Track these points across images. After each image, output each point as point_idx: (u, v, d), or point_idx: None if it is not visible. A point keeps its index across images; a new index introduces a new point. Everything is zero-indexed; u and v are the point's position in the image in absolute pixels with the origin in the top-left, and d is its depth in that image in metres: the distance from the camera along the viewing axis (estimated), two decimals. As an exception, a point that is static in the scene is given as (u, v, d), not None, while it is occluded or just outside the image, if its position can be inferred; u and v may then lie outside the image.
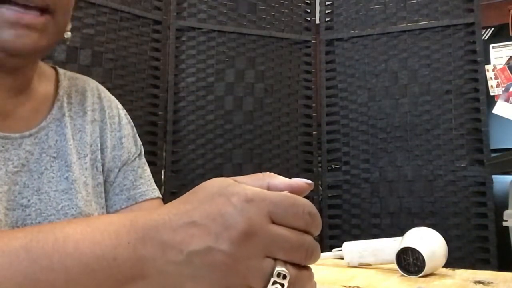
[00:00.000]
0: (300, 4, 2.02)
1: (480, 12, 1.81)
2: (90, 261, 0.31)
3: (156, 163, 1.71)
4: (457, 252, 1.71)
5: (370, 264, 0.75)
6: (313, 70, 2.00)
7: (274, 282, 0.30)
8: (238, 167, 1.84)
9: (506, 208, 1.38)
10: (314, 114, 1.98)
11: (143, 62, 1.74)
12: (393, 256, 0.67)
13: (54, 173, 0.56)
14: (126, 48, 1.69)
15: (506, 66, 2.43)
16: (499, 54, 2.45)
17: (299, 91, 1.98)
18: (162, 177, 1.74)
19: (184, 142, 1.80)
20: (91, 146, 0.61)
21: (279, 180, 0.34)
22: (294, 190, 0.33)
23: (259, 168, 1.86)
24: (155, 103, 1.76)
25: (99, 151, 0.62)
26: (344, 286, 0.61)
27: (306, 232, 0.32)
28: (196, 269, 0.30)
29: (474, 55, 1.80)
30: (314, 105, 1.98)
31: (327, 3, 2.01)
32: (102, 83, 0.69)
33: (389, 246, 0.72)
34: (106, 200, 0.63)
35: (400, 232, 0.76)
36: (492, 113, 2.36)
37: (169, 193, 1.72)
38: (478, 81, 1.78)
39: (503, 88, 2.41)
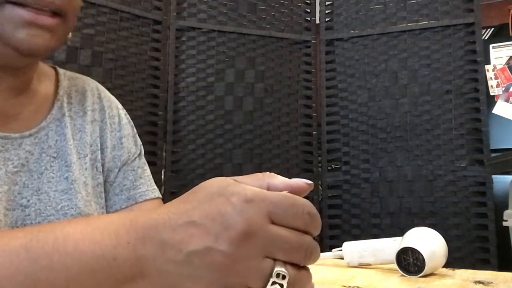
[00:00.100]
0: (300, 4, 2.02)
1: (480, 12, 1.81)
2: (90, 260, 0.31)
3: (156, 163, 1.71)
4: (457, 252, 1.71)
5: (370, 264, 0.75)
6: (313, 70, 2.00)
7: (273, 283, 0.30)
8: (238, 167, 1.84)
9: (506, 208, 1.38)
10: (314, 114, 1.98)
11: (143, 62, 1.74)
12: (393, 256, 0.67)
13: (54, 173, 0.56)
14: (126, 48, 1.69)
15: (506, 66, 2.43)
16: (499, 54, 2.45)
17: (299, 91, 1.98)
18: (162, 177, 1.74)
19: (184, 142, 1.80)
20: (91, 146, 0.61)
21: (279, 180, 0.34)
22: (294, 190, 0.33)
23: (259, 168, 1.85)
24: (155, 103, 1.76)
25: (99, 151, 0.62)
26: (344, 286, 0.61)
27: (305, 232, 0.31)
28: (195, 269, 0.30)
29: (474, 55, 1.80)
30: (314, 105, 1.99)
31: (327, 3, 2.01)
32: (102, 83, 0.69)
33: (389, 246, 0.72)
34: (106, 200, 0.63)
35: (400, 232, 0.75)
36: (492, 113, 2.36)
37: (169, 193, 1.72)
38: (478, 81, 1.78)
39: (503, 88, 2.41)
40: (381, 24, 1.92)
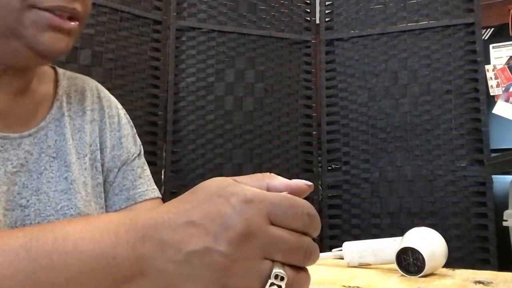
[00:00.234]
0: (300, 4, 2.02)
1: (480, 12, 1.81)
2: (90, 260, 0.31)
3: (156, 163, 1.71)
4: (457, 252, 1.71)
5: (370, 264, 0.75)
6: (313, 70, 2.00)
7: (272, 284, 0.30)
8: (238, 167, 1.84)
9: (506, 208, 1.38)
10: (314, 114, 1.98)
11: (143, 62, 1.74)
12: (393, 256, 0.67)
13: (53, 173, 0.56)
14: (126, 48, 1.69)
15: (506, 66, 2.43)
16: (499, 54, 2.45)
17: (299, 91, 1.98)
18: (162, 177, 1.74)
19: (184, 142, 1.80)
20: (90, 146, 0.61)
21: (279, 181, 0.34)
22: (293, 191, 0.33)
23: (259, 168, 1.86)
24: (155, 103, 1.76)
25: (99, 151, 0.62)
26: (344, 286, 0.61)
27: (305, 233, 0.31)
28: (194, 269, 0.30)
29: (474, 55, 1.80)
30: (314, 105, 1.98)
31: (327, 3, 2.01)
32: (102, 83, 0.69)
33: (389, 246, 0.72)
34: (105, 200, 0.63)
35: (400, 232, 0.75)
36: (492, 113, 2.36)
37: (169, 193, 1.72)
38: (478, 81, 1.78)
39: (503, 88, 2.41)
40: (381, 24, 1.92)
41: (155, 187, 0.68)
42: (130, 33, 1.71)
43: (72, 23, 0.51)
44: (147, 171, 0.68)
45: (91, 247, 0.31)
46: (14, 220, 0.52)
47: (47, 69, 0.63)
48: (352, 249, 0.76)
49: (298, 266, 0.31)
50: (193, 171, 1.79)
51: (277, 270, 0.30)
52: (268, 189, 0.33)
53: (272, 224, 0.30)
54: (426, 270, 0.65)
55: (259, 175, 0.34)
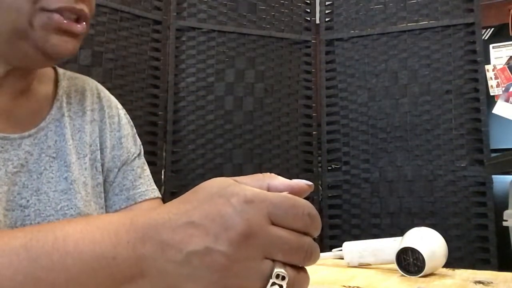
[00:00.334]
0: (300, 4, 2.02)
1: (480, 12, 1.81)
2: (90, 260, 0.31)
3: (156, 163, 1.71)
4: (457, 252, 1.71)
5: (370, 264, 0.75)
6: (313, 70, 2.00)
7: (273, 284, 0.30)
8: (238, 167, 1.84)
9: (506, 208, 1.38)
10: (314, 114, 1.98)
11: (143, 62, 1.74)
12: (393, 256, 0.67)
13: (53, 174, 0.56)
14: (126, 48, 1.69)
15: (506, 66, 2.43)
16: (499, 54, 2.45)
17: (299, 91, 1.98)
18: (162, 177, 1.74)
19: (184, 142, 1.80)
20: (90, 146, 0.61)
21: (279, 181, 0.34)
22: (294, 191, 0.33)
23: (259, 168, 1.86)
24: (155, 103, 1.76)
25: (99, 151, 0.62)
26: (344, 286, 0.61)
27: (305, 233, 0.31)
28: (195, 269, 0.30)
29: (474, 55, 1.80)
30: (314, 105, 1.99)
31: (327, 3, 2.01)
32: (102, 83, 0.69)
33: (389, 246, 0.72)
34: (105, 200, 0.63)
35: (400, 232, 0.75)
36: (492, 113, 2.36)
37: (169, 193, 1.72)
38: (478, 81, 1.78)
39: (503, 88, 2.41)
40: (381, 24, 1.92)
41: (155, 187, 0.68)
42: (130, 33, 1.71)
43: (79, 25, 0.52)
44: (147, 171, 0.68)
45: (91, 247, 0.31)
46: (14, 220, 0.52)
47: (47, 69, 0.63)
48: (352, 249, 0.76)
49: (298, 266, 0.31)
50: (193, 171, 1.79)
51: (278, 270, 0.30)
52: (268, 189, 0.33)
53: (273, 224, 0.30)
54: (426, 270, 0.65)
55: (259, 175, 0.34)
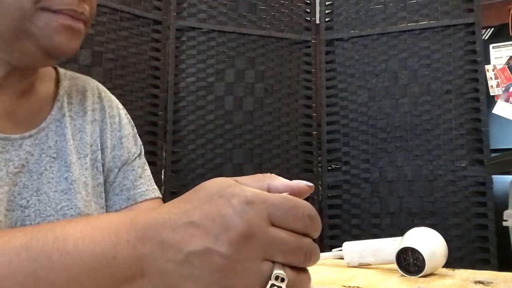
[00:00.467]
0: (300, 4, 2.02)
1: (480, 12, 1.81)
2: (90, 259, 0.31)
3: (156, 163, 1.71)
4: (457, 252, 1.71)
5: (370, 264, 0.75)
6: (313, 70, 2.00)
7: (272, 285, 0.30)
8: (238, 167, 1.84)
9: (506, 208, 1.38)
10: (314, 114, 1.98)
11: (143, 62, 1.74)
12: (393, 256, 0.67)
13: (53, 174, 0.56)
14: (126, 48, 1.69)
15: (506, 66, 2.43)
16: (499, 54, 2.45)
17: (299, 91, 1.98)
18: (162, 177, 1.74)
19: (184, 142, 1.80)
20: (91, 146, 0.61)
21: (280, 181, 0.34)
22: (294, 192, 0.33)
23: (259, 168, 1.86)
24: (155, 103, 1.76)
25: (99, 151, 0.62)
26: (344, 286, 0.61)
27: (305, 234, 0.31)
28: (194, 269, 0.30)
29: (474, 55, 1.80)
30: (314, 105, 1.99)
31: (327, 3, 2.01)
32: (102, 83, 0.69)
33: (389, 246, 0.72)
34: (106, 200, 0.63)
35: (400, 232, 0.75)
36: (492, 113, 2.36)
37: (169, 193, 1.72)
38: (478, 81, 1.78)
39: (503, 88, 2.41)
40: (381, 24, 1.92)
41: (156, 187, 0.68)
42: (130, 33, 1.71)
43: (80, 24, 0.52)
44: (148, 171, 0.68)
45: (92, 247, 0.31)
46: (15, 220, 0.52)
47: (48, 69, 0.63)
48: (352, 249, 0.76)
49: (298, 267, 0.31)
50: (193, 171, 1.79)
51: (277, 271, 0.30)
52: (269, 190, 0.33)
53: (273, 225, 0.30)
54: (426, 270, 0.65)
55: (260, 175, 0.34)
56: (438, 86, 1.83)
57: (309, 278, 0.32)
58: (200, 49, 1.86)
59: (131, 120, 0.69)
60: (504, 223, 1.32)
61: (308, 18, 2.03)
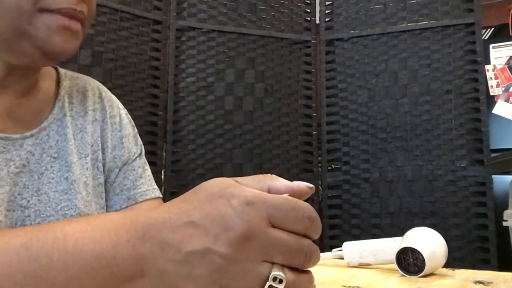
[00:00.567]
0: (300, 4, 2.02)
1: (480, 12, 1.81)
2: (90, 259, 0.31)
3: (156, 163, 1.71)
4: (457, 252, 1.71)
5: (370, 264, 0.75)
6: (313, 70, 2.00)
7: (270, 286, 0.30)
8: (238, 167, 1.84)
9: (506, 208, 1.38)
10: (314, 114, 1.98)
11: (143, 62, 1.74)
12: (393, 256, 0.67)
13: (54, 174, 0.56)
14: (126, 48, 1.69)
15: (506, 66, 2.43)
16: (499, 54, 2.45)
17: (299, 91, 1.98)
18: (162, 177, 1.74)
19: (184, 142, 1.80)
20: (92, 146, 0.61)
21: (280, 182, 0.34)
22: (294, 193, 0.33)
23: (259, 168, 1.86)
24: (155, 103, 1.76)
25: (100, 151, 0.62)
26: (344, 286, 0.61)
27: (305, 236, 0.31)
28: (194, 269, 0.30)
29: (474, 55, 1.80)
30: (314, 105, 1.99)
31: (327, 3, 2.01)
32: (102, 83, 0.69)
33: (389, 246, 0.72)
34: (106, 200, 0.63)
35: (400, 232, 0.75)
36: (492, 113, 2.36)
37: (169, 193, 1.72)
38: (478, 81, 1.78)
39: (503, 88, 2.41)
40: (381, 24, 1.92)
41: (156, 187, 0.68)
42: (130, 33, 1.71)
43: (80, 24, 0.52)
44: (148, 171, 0.68)
45: (91, 246, 0.31)
46: (15, 220, 0.52)
47: (49, 69, 0.63)
48: (352, 249, 0.76)
49: (299, 269, 0.31)
50: (193, 171, 1.79)
51: (275, 273, 0.30)
52: (269, 191, 0.33)
53: (273, 226, 0.30)
54: (426, 270, 0.65)
55: (260, 176, 0.34)
56: (438, 86, 1.83)
57: (311, 279, 0.32)
58: (200, 49, 1.86)
59: (132, 120, 0.69)
60: (504, 223, 1.32)
61: (308, 18, 2.03)
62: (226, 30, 1.89)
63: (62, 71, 0.64)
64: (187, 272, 0.30)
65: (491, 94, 2.41)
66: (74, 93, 0.63)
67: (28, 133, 0.55)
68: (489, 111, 2.31)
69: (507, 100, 2.38)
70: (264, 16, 1.96)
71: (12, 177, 0.52)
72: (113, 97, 0.68)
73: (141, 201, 0.64)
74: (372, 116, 1.90)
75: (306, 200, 0.33)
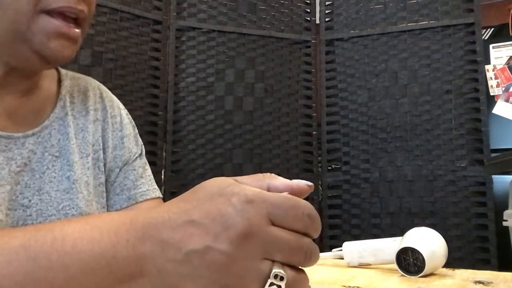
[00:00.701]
0: (300, 4, 2.02)
1: (480, 12, 1.81)
2: (89, 259, 0.31)
3: (156, 163, 1.71)
4: (457, 252, 1.71)
5: (370, 264, 0.75)
6: (313, 70, 2.00)
7: (271, 284, 0.30)
8: (238, 167, 1.84)
9: (506, 208, 1.38)
10: (314, 114, 1.98)
11: (143, 62, 1.74)
12: (393, 256, 0.67)
13: (55, 173, 0.56)
14: (126, 48, 1.69)
15: (506, 66, 2.43)
16: (499, 54, 2.45)
17: (299, 91, 1.98)
18: (162, 177, 1.74)
19: (184, 142, 1.80)
20: (93, 145, 0.62)
21: (280, 181, 0.34)
22: (294, 192, 0.33)
23: (259, 168, 1.86)
24: (155, 103, 1.76)
25: (101, 151, 0.62)
26: (344, 286, 0.61)
27: (305, 234, 0.31)
28: (194, 268, 0.30)
29: (474, 55, 1.80)
30: (314, 105, 1.99)
31: (327, 3, 2.01)
32: (102, 83, 0.69)
33: (389, 246, 0.72)
34: (106, 200, 0.63)
35: (400, 232, 0.75)
36: (492, 113, 2.36)
37: (169, 193, 1.72)
38: (478, 81, 1.78)
39: (503, 88, 2.41)
40: (381, 24, 1.92)
41: (156, 187, 0.68)
42: (130, 33, 1.71)
43: (77, 30, 0.52)
44: (149, 171, 0.68)
45: (90, 246, 0.31)
46: (16, 220, 0.52)
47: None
48: (352, 249, 0.76)
49: (298, 266, 0.31)
50: (193, 171, 1.79)
51: (276, 270, 0.30)
52: (268, 190, 0.33)
53: (273, 224, 0.30)
54: (426, 270, 0.65)
55: (259, 175, 0.34)
56: (438, 86, 1.83)
57: (307, 278, 0.32)
58: (200, 49, 1.86)
59: (132, 120, 0.69)
60: (504, 223, 1.32)
61: (308, 18, 2.03)
62: (226, 30, 1.89)
63: (63, 71, 0.64)
64: (188, 271, 0.30)
65: (491, 94, 2.41)
66: (75, 93, 0.63)
67: (30, 132, 0.55)
68: (489, 111, 2.31)
69: (507, 100, 2.38)
70: (264, 16, 1.96)
71: (14, 176, 0.52)
72: (114, 97, 0.68)
73: (141, 201, 0.64)
74: (372, 116, 1.90)
75: (306, 200, 0.33)
